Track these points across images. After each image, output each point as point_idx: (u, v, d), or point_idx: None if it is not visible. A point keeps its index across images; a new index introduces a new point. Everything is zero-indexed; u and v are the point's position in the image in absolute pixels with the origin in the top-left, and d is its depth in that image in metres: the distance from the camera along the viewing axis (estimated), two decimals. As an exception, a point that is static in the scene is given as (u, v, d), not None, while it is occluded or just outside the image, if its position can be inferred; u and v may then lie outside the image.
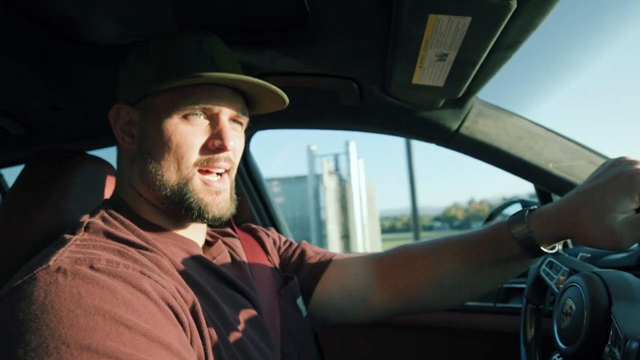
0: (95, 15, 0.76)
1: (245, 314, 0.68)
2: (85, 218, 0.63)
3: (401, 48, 0.72)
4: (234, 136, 0.68)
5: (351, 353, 1.41)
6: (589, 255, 0.83)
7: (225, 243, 0.82)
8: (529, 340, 0.89)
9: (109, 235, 0.59)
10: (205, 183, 0.66)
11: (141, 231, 0.63)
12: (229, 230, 0.88)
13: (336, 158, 8.09)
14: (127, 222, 0.64)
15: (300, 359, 0.76)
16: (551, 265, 0.82)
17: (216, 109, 0.66)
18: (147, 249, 0.59)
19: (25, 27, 0.73)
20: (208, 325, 0.56)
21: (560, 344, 0.61)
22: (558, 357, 0.68)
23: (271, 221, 1.55)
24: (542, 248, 0.66)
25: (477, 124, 1.04)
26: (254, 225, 0.94)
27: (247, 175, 1.49)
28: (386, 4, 0.65)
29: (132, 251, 0.56)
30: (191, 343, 0.52)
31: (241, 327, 0.64)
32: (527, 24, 0.66)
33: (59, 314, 0.43)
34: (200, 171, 0.66)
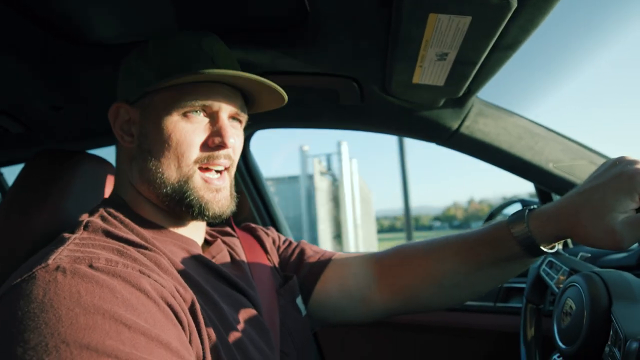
0: (96, 15, 0.76)
1: (245, 313, 0.68)
2: (85, 217, 0.63)
3: (401, 47, 0.72)
4: (234, 134, 0.68)
5: (350, 352, 1.41)
6: (589, 255, 0.84)
7: (224, 242, 0.82)
8: (529, 340, 0.89)
9: (108, 234, 0.59)
10: (206, 181, 0.66)
11: (140, 230, 0.63)
12: (228, 229, 0.88)
13: (328, 158, 8.10)
14: (127, 221, 0.64)
15: (300, 358, 0.76)
16: (551, 265, 0.82)
17: (216, 106, 0.66)
18: (146, 248, 0.59)
19: (25, 26, 0.73)
20: (207, 325, 0.56)
21: (560, 344, 0.61)
22: (558, 357, 0.68)
23: (271, 220, 1.55)
24: (542, 247, 0.66)
25: (478, 123, 1.04)
26: (253, 225, 0.94)
27: (247, 174, 1.49)
28: (386, 3, 0.65)
29: (132, 250, 0.56)
30: (190, 342, 0.52)
31: (240, 326, 0.64)
32: (527, 24, 0.66)
33: (58, 312, 0.43)
34: (200, 169, 0.66)
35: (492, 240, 0.72)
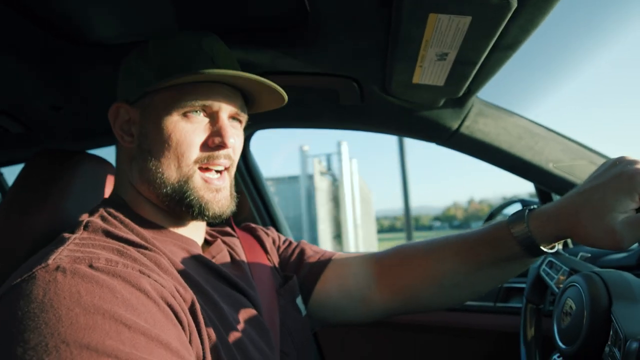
0: (96, 15, 0.76)
1: (245, 313, 0.68)
2: (85, 217, 0.63)
3: (401, 47, 0.72)
4: (234, 134, 0.68)
5: (350, 352, 1.41)
6: (589, 255, 0.84)
7: (224, 242, 0.82)
8: (529, 340, 0.89)
9: (108, 234, 0.59)
10: (206, 181, 0.66)
11: (140, 230, 0.63)
12: (228, 229, 0.88)
13: (328, 158, 8.11)
14: (127, 220, 0.64)
15: (300, 358, 0.76)
16: (551, 265, 0.82)
17: (216, 106, 0.66)
18: (146, 248, 0.59)
19: (25, 26, 0.73)
20: (207, 325, 0.56)
21: (560, 344, 0.60)
22: (558, 357, 0.68)
23: (271, 220, 1.55)
24: (542, 247, 0.66)
25: (478, 123, 1.04)
26: (253, 225, 0.94)
27: (247, 174, 1.49)
28: (386, 3, 0.65)
29: (132, 250, 0.56)
30: (190, 342, 0.52)
31: (240, 326, 0.64)
32: (527, 24, 0.66)
33: (58, 312, 0.43)
34: (200, 169, 0.66)
35: (492, 240, 0.72)
